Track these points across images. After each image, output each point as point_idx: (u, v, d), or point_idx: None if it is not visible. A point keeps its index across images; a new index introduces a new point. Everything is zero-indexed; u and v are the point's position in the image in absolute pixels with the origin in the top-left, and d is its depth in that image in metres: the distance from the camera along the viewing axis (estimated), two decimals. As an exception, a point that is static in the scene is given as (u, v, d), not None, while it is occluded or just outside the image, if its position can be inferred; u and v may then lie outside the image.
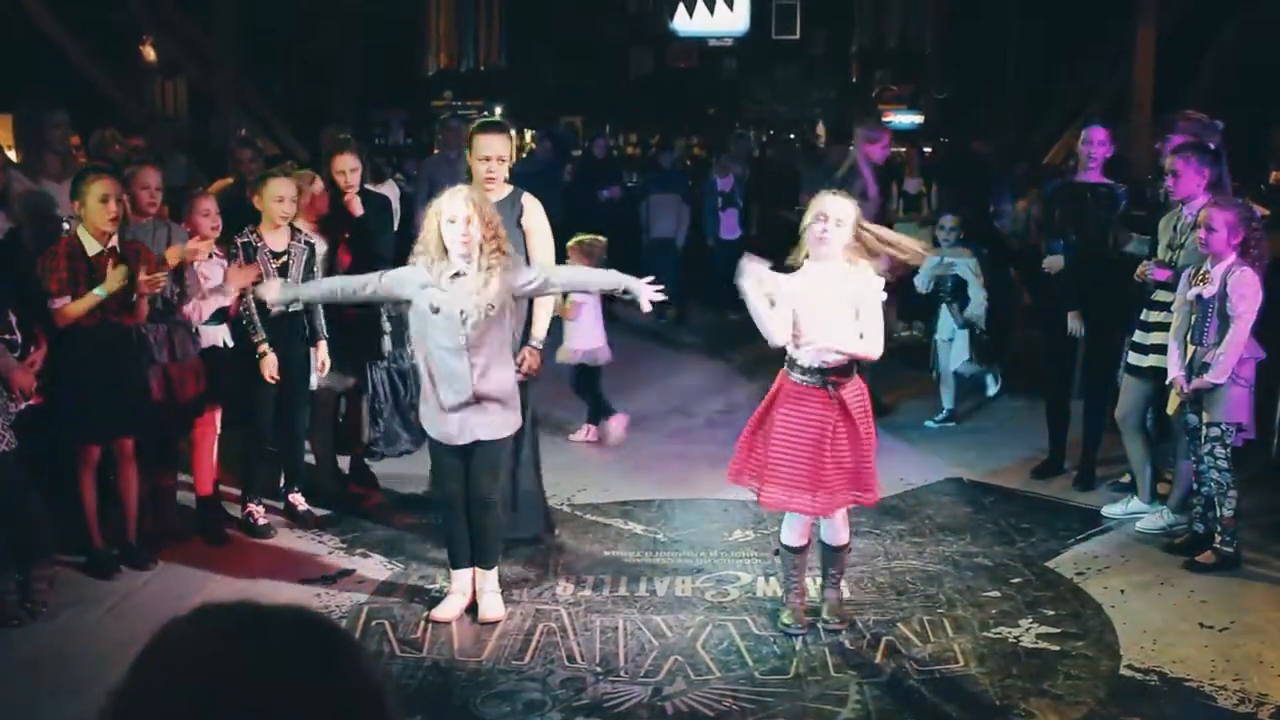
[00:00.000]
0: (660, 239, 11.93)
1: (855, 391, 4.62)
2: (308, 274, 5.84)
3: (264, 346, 5.73)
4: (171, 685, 1.06)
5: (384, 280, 4.84)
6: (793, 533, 4.78)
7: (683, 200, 11.96)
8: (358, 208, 6.26)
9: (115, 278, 5.11)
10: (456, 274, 4.61)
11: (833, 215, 4.51)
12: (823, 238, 4.51)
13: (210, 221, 5.77)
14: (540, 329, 5.49)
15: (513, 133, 5.64)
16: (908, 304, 11.39)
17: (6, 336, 4.92)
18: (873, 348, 4.56)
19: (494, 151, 5.43)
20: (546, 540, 5.79)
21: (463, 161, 9.74)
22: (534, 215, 5.56)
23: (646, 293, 4.79)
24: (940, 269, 7.82)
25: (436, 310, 4.63)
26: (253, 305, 5.72)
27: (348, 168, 6.22)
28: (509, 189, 5.59)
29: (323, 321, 5.97)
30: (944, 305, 7.90)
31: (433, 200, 4.74)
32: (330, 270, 5.98)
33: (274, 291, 5.07)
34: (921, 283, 7.95)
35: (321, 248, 6.00)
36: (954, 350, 7.89)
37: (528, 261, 5.42)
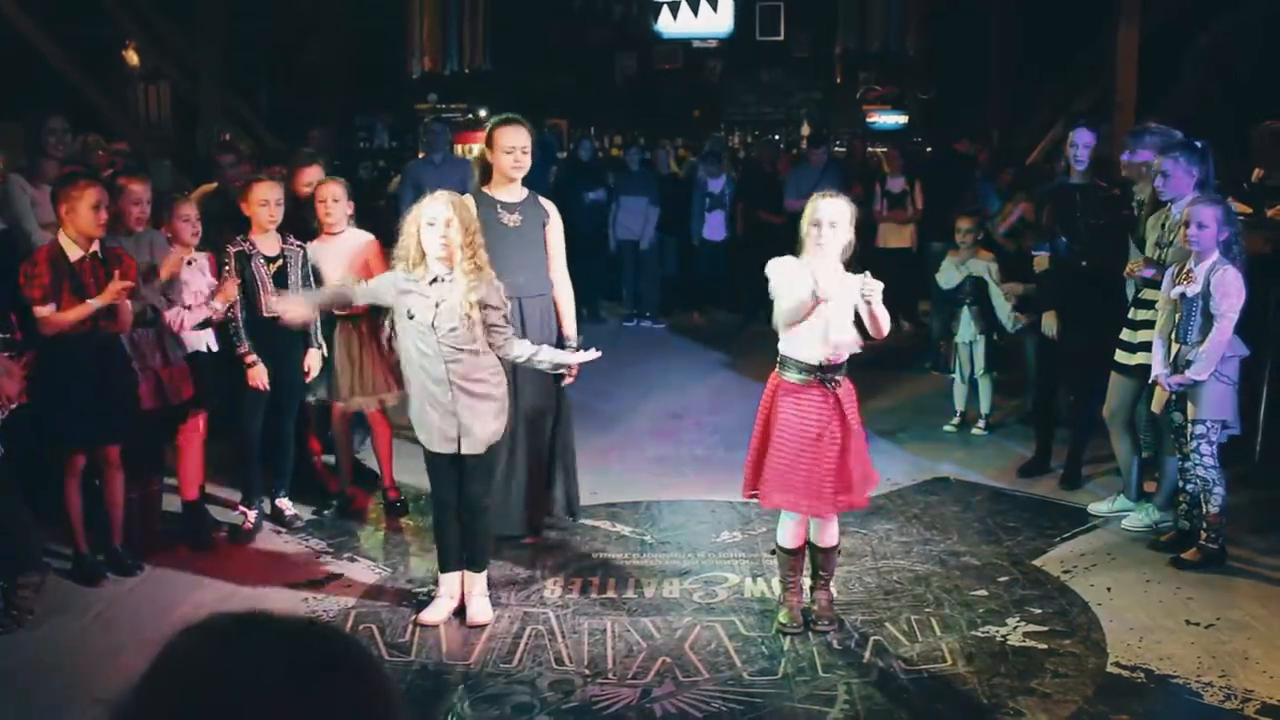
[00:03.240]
0: (624, 241, 11.95)
1: (848, 392, 4.64)
2: (305, 277, 5.85)
3: (251, 357, 5.72)
4: (179, 700, 1.04)
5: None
6: (789, 535, 4.79)
7: (651, 203, 11.94)
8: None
9: (111, 291, 5.09)
10: (435, 279, 4.61)
11: (827, 219, 4.53)
12: (820, 243, 4.53)
13: (190, 227, 5.75)
14: (570, 326, 5.68)
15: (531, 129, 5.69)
16: (897, 303, 11.44)
17: (5, 336, 4.91)
18: (883, 324, 4.59)
19: (519, 143, 5.51)
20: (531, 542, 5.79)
21: (447, 165, 9.81)
22: (557, 227, 5.69)
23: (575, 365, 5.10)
24: (960, 270, 7.75)
25: (413, 316, 4.64)
26: (239, 316, 5.71)
27: (314, 180, 6.38)
28: (527, 191, 5.68)
29: (317, 329, 5.97)
30: (965, 308, 7.76)
31: (415, 205, 4.74)
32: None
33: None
34: (945, 280, 7.91)
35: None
36: (975, 355, 7.76)
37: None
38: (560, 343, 5.55)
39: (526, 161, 5.54)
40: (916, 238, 10.90)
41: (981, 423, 7.79)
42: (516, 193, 5.60)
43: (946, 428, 7.82)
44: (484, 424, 4.77)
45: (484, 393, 4.75)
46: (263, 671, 1.04)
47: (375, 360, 6.06)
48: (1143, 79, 10.27)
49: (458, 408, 4.70)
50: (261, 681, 1.04)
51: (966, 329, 7.76)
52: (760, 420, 4.73)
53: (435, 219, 4.58)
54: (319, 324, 5.97)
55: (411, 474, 6.44)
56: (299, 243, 5.92)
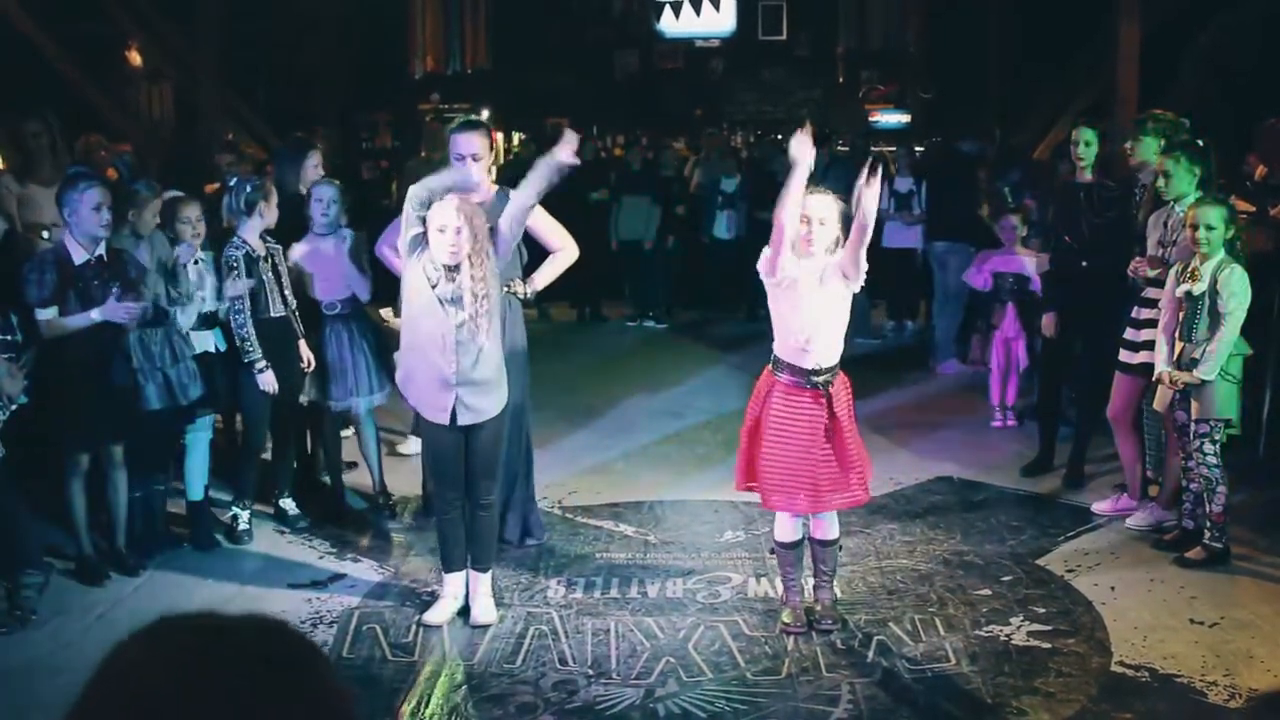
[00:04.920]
0: (627, 241, 11.90)
1: (841, 390, 4.64)
2: (279, 274, 5.85)
3: (261, 363, 5.71)
4: (126, 712, 0.99)
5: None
6: (784, 529, 4.79)
7: (653, 202, 11.92)
8: None
9: (116, 309, 5.08)
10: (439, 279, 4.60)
11: (815, 216, 4.50)
12: (808, 238, 4.51)
13: (190, 229, 5.74)
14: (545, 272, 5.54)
15: (493, 132, 5.50)
16: (901, 302, 11.44)
17: (6, 337, 4.91)
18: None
19: (469, 150, 5.33)
20: (534, 544, 5.77)
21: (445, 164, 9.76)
22: (515, 200, 5.39)
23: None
24: (1001, 267, 7.74)
25: (435, 286, 4.58)
26: (249, 320, 5.70)
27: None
28: (495, 189, 5.52)
29: (297, 317, 5.99)
30: (1010, 304, 7.74)
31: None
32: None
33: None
34: (978, 281, 7.91)
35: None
36: (1015, 349, 7.76)
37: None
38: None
39: (475, 169, 5.27)
40: (921, 237, 10.88)
41: (1010, 413, 7.85)
42: (483, 192, 5.37)
43: (994, 423, 7.82)
44: (489, 399, 4.75)
45: (483, 379, 4.72)
46: (212, 680, 1.00)
47: (362, 360, 6.03)
48: (1141, 79, 10.27)
49: (464, 383, 4.66)
50: (210, 690, 0.99)
51: (1012, 324, 7.75)
52: (750, 417, 4.72)
53: (446, 225, 4.52)
54: (297, 313, 5.97)
55: (415, 473, 6.45)
56: (273, 240, 5.93)
